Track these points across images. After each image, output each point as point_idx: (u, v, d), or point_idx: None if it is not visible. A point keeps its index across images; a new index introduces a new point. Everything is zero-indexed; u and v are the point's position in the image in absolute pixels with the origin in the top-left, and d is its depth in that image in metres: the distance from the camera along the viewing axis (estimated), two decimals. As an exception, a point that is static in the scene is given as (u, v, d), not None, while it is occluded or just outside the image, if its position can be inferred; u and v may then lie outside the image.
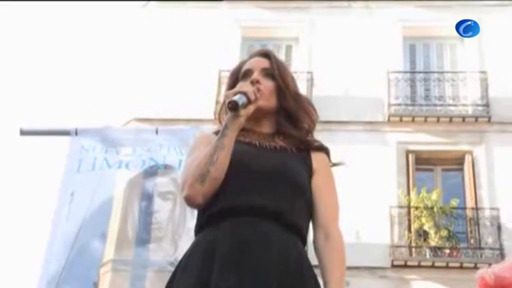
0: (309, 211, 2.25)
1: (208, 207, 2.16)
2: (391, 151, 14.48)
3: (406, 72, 15.50)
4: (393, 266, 13.41)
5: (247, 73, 2.39)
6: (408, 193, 13.98)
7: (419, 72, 15.68)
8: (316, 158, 2.36)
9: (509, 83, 14.81)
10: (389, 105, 14.93)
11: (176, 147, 4.92)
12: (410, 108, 14.99)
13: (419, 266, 13.35)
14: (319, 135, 2.49)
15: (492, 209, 13.71)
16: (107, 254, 4.72)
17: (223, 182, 2.15)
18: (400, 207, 13.89)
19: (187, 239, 4.23)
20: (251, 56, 2.48)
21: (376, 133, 14.74)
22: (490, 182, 14.06)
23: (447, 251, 13.42)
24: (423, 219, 13.58)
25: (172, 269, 2.25)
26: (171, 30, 15.99)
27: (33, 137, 5.62)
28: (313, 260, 2.21)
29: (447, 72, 15.53)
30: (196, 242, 2.17)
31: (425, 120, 14.76)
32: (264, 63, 2.41)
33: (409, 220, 13.75)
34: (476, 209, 13.84)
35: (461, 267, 13.16)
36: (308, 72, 15.13)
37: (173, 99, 14.90)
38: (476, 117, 14.65)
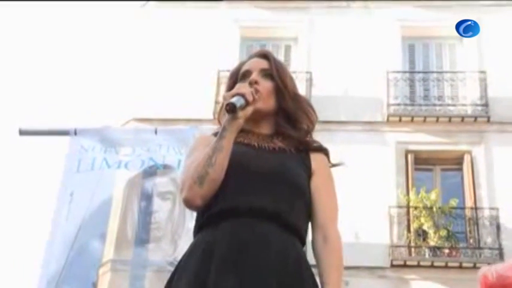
0: (308, 212, 2.26)
1: (208, 208, 2.16)
2: (390, 151, 14.49)
3: (405, 72, 15.51)
4: (392, 265, 13.42)
5: (246, 74, 2.39)
6: (407, 193, 13.99)
7: (419, 72, 15.68)
8: (315, 158, 2.36)
9: (508, 83, 14.81)
10: (389, 105, 14.94)
11: (175, 147, 4.92)
12: (409, 108, 15.00)
13: (418, 266, 13.35)
14: (318, 135, 2.49)
15: (491, 208, 13.72)
16: (106, 254, 4.73)
17: (222, 183, 2.15)
18: (399, 207, 13.90)
19: (186, 239, 4.24)
20: (250, 57, 2.49)
21: (375, 133, 14.74)
22: (489, 181, 14.06)
23: (446, 250, 13.43)
24: (422, 219, 13.58)
25: (171, 268, 2.25)
26: (170, 30, 15.99)
27: (33, 137, 5.63)
28: (312, 260, 2.21)
29: (446, 72, 15.54)
30: (195, 243, 2.17)
31: (425, 120, 14.76)
32: (263, 64, 2.41)
33: (408, 220, 13.75)
34: (476, 208, 13.85)
35: (460, 267, 13.17)
36: (307, 72, 15.13)
37: (172, 99, 14.90)
38: (476, 117, 14.65)
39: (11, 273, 30.41)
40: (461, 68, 15.39)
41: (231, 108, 2.16)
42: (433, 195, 13.67)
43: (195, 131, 4.99)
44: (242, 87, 2.27)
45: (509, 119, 14.56)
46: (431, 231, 13.50)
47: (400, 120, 14.79)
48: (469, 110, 14.86)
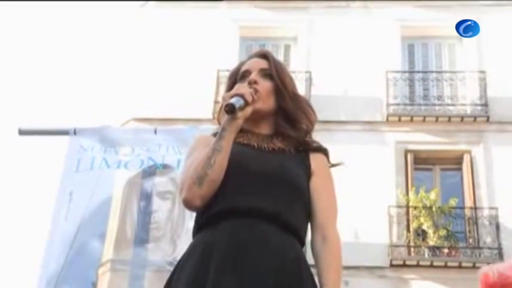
0: (308, 213, 2.25)
1: (207, 209, 2.16)
2: (389, 151, 14.50)
3: (404, 72, 15.51)
4: (392, 265, 13.42)
5: (245, 74, 2.39)
6: (407, 193, 13.99)
7: (418, 72, 15.69)
8: (315, 159, 2.35)
9: (508, 82, 14.82)
10: (388, 105, 14.94)
11: (175, 146, 4.92)
12: (408, 107, 15.00)
13: (417, 266, 13.36)
14: (318, 135, 2.49)
15: (491, 208, 13.73)
16: (105, 253, 4.72)
17: (222, 183, 2.15)
18: (399, 206, 13.90)
19: (186, 239, 4.24)
20: (249, 57, 2.48)
21: (375, 133, 14.75)
22: (488, 181, 14.07)
23: (446, 250, 13.44)
24: (422, 219, 13.59)
25: (171, 268, 2.25)
26: (169, 30, 15.99)
27: (32, 137, 5.62)
28: (310, 259, 2.21)
29: (446, 71, 15.55)
30: (194, 243, 2.18)
31: (424, 120, 14.77)
32: (262, 63, 2.41)
33: (408, 220, 13.76)
34: (475, 208, 13.86)
35: (459, 266, 13.18)
36: (306, 72, 15.14)
37: (172, 99, 14.91)
38: (475, 117, 14.66)
39: (10, 273, 30.41)
40: (460, 68, 15.40)
41: (230, 109, 2.16)
42: (432, 195, 13.68)
43: (194, 131, 4.98)
44: (241, 87, 2.26)
45: (509, 119, 14.56)
46: (430, 231, 13.50)
47: (399, 120, 14.80)
48: (469, 110, 14.87)
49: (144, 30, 16.20)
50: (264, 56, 2.44)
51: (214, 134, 2.32)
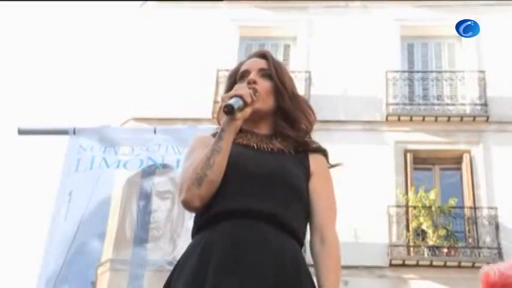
0: (306, 214, 2.25)
1: (206, 209, 2.16)
2: (389, 150, 14.49)
3: (404, 71, 15.51)
4: (391, 265, 13.42)
5: (245, 74, 2.39)
6: (406, 192, 13.99)
7: (417, 71, 15.69)
8: (314, 160, 2.35)
9: (507, 82, 14.82)
10: (387, 104, 14.94)
11: (174, 146, 4.92)
12: (408, 107, 15.00)
13: (417, 265, 13.36)
14: (317, 135, 2.49)
15: (490, 208, 13.72)
16: (105, 253, 4.72)
17: (221, 184, 2.15)
18: (398, 206, 13.90)
19: (185, 238, 4.24)
20: (249, 57, 2.48)
21: (374, 132, 14.75)
22: (488, 181, 14.07)
23: (445, 250, 13.44)
24: (421, 219, 13.59)
25: (170, 268, 2.25)
26: (169, 30, 15.99)
27: (31, 136, 5.62)
28: (309, 259, 2.21)
29: (445, 71, 15.54)
30: (193, 244, 2.18)
31: (423, 120, 14.77)
32: (261, 63, 2.41)
33: (407, 219, 13.76)
34: (475, 208, 13.86)
35: (459, 266, 13.18)
36: (306, 72, 15.14)
37: (171, 99, 14.91)
38: (474, 117, 14.66)
39: (10, 273, 30.41)
40: (460, 68, 15.40)
41: (229, 110, 2.16)
42: (432, 195, 13.68)
43: (194, 131, 4.98)
44: (240, 88, 2.26)
45: (508, 119, 14.56)
46: (430, 231, 13.50)
47: (399, 120, 14.80)
48: (468, 110, 14.86)
49: (144, 30, 16.20)
50: (263, 55, 2.44)
51: (214, 134, 2.32)
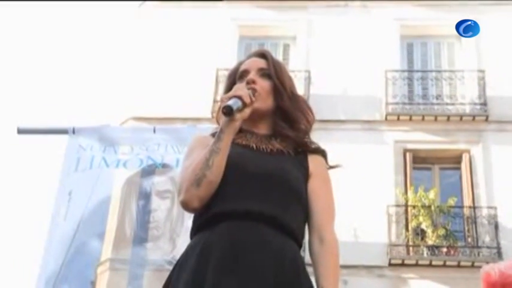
0: (305, 215, 2.25)
1: (205, 210, 2.16)
2: (388, 150, 14.50)
3: (403, 71, 15.51)
4: (391, 264, 13.42)
5: (244, 74, 2.38)
6: (406, 192, 14.00)
7: (417, 71, 15.69)
8: (313, 160, 2.35)
9: (506, 81, 14.83)
10: (387, 104, 14.94)
11: (174, 145, 4.92)
12: (407, 107, 15.00)
13: (416, 265, 13.36)
14: (317, 134, 2.49)
15: (489, 207, 13.73)
16: (104, 253, 4.72)
17: (220, 185, 2.15)
18: (398, 205, 13.90)
19: (185, 238, 4.23)
20: (248, 57, 2.48)
21: (374, 132, 14.75)
22: (487, 180, 14.07)
23: (444, 249, 13.44)
24: (421, 218, 13.59)
25: (170, 267, 2.25)
26: (168, 29, 15.99)
27: (31, 136, 5.62)
28: (307, 259, 2.21)
29: (445, 71, 15.55)
30: (192, 244, 2.17)
31: (423, 119, 14.77)
32: (261, 63, 2.40)
33: (407, 219, 13.76)
34: (474, 207, 13.86)
35: (458, 265, 13.18)
36: (305, 71, 15.14)
37: (171, 98, 14.91)
38: (474, 116, 14.66)
39: (10, 273, 30.40)
40: (459, 67, 15.40)
41: (228, 111, 2.15)
42: (431, 194, 13.68)
43: (193, 130, 4.98)
44: (239, 89, 2.25)
45: (508, 118, 14.57)
46: (429, 230, 13.51)
47: (398, 119, 14.80)
48: (468, 109, 14.87)
49: (143, 30, 16.20)
50: (263, 55, 2.44)
51: (213, 134, 2.31)
